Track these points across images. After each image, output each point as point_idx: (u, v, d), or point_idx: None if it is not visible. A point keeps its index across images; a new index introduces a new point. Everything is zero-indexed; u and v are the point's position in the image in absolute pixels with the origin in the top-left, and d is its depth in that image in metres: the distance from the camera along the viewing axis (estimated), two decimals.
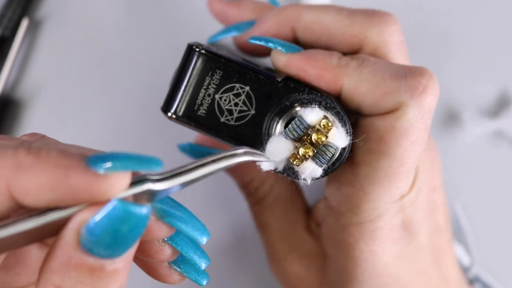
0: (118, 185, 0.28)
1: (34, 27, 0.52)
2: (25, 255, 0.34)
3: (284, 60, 0.38)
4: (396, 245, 0.40)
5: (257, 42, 0.39)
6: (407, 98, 0.36)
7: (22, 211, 0.29)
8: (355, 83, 0.37)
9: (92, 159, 0.27)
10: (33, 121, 0.52)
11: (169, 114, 0.38)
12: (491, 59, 0.53)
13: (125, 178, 0.28)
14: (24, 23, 0.51)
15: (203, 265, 0.33)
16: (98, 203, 0.28)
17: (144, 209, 0.28)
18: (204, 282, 0.34)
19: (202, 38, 0.46)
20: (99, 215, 0.27)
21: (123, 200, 0.27)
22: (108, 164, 0.27)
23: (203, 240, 0.32)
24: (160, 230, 0.31)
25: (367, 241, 0.39)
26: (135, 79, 0.52)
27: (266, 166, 0.36)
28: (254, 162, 0.34)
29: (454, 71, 0.53)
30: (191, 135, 0.43)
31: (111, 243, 0.27)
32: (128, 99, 0.52)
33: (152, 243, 0.32)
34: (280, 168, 0.36)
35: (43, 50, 0.52)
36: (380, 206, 0.38)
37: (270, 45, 0.39)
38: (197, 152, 0.45)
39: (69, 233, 0.27)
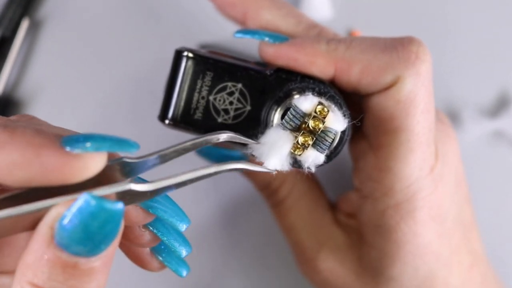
0: (91, 165, 0.27)
1: (35, 27, 0.52)
2: (13, 237, 0.33)
3: (273, 51, 0.38)
4: (435, 222, 0.40)
5: (244, 36, 0.40)
6: (403, 70, 0.37)
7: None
8: (347, 65, 0.37)
9: (66, 139, 0.28)
10: None
11: (166, 121, 0.38)
12: (491, 59, 0.53)
13: (99, 158, 0.28)
14: (25, 23, 0.51)
15: (183, 252, 0.33)
16: (74, 198, 0.27)
17: (118, 205, 0.27)
18: (184, 273, 0.34)
19: (211, 39, 0.46)
20: (71, 209, 0.27)
21: (96, 195, 0.27)
22: (83, 145, 0.27)
23: (183, 227, 0.32)
24: (138, 216, 0.31)
25: (408, 222, 0.39)
26: (136, 79, 0.52)
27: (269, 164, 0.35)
28: (244, 170, 0.33)
29: (454, 71, 0.53)
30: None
31: (84, 239, 0.27)
32: (129, 99, 0.52)
33: (133, 228, 0.32)
34: (284, 165, 0.35)
35: (43, 50, 0.52)
36: (413, 183, 0.38)
37: (257, 37, 0.39)
38: (215, 155, 0.45)
39: (43, 228, 0.27)
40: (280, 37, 0.39)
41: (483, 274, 0.43)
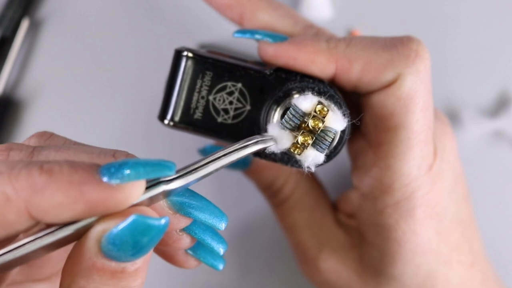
0: (133, 195, 0.28)
1: (35, 27, 0.52)
2: None
3: (272, 50, 0.38)
4: (434, 220, 0.40)
5: (243, 36, 0.40)
6: (403, 67, 0.37)
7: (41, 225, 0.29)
8: (348, 62, 0.37)
9: (104, 170, 0.28)
10: (33, 121, 0.52)
11: (166, 121, 0.38)
12: (491, 59, 0.53)
13: (140, 187, 0.28)
14: (25, 23, 0.51)
15: (221, 250, 0.34)
16: (117, 213, 0.28)
17: (162, 221, 0.28)
18: (221, 267, 0.34)
19: (211, 39, 0.46)
20: (119, 228, 0.28)
21: (141, 214, 0.28)
22: (122, 175, 0.27)
23: (222, 226, 0.33)
24: (178, 223, 0.32)
25: (408, 220, 0.39)
26: (136, 79, 0.52)
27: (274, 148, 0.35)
28: (265, 149, 0.34)
29: (454, 71, 0.53)
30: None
31: (132, 251, 0.28)
32: (129, 99, 0.52)
33: (170, 233, 0.32)
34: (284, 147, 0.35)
35: (43, 50, 0.52)
36: (412, 182, 0.39)
37: (257, 37, 0.39)
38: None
39: (90, 242, 0.28)
40: (279, 36, 0.39)
41: (483, 272, 0.43)
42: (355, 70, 0.37)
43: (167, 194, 0.30)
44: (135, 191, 0.28)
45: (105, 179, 0.27)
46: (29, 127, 0.52)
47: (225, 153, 0.32)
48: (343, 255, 0.43)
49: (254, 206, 0.51)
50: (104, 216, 0.28)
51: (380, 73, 0.37)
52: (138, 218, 0.28)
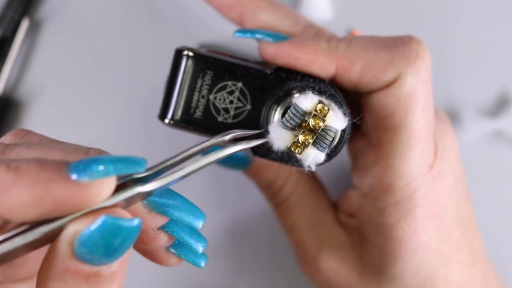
0: (103, 192, 0.27)
1: (35, 27, 0.52)
2: None
3: (273, 50, 0.38)
4: (434, 219, 0.40)
5: (243, 35, 0.40)
6: (404, 67, 0.37)
7: (12, 225, 0.29)
8: (349, 62, 0.37)
9: (73, 167, 0.27)
10: (33, 121, 0.52)
11: (166, 120, 0.38)
12: (491, 59, 0.53)
13: (109, 184, 0.27)
14: (25, 23, 0.51)
15: (200, 248, 0.33)
16: (89, 213, 0.27)
17: (134, 221, 0.28)
18: (202, 264, 0.34)
19: (211, 38, 0.46)
20: (90, 229, 0.27)
21: (112, 215, 0.27)
22: (90, 172, 0.27)
23: (199, 224, 0.32)
24: (154, 221, 0.31)
25: (408, 220, 0.39)
26: (136, 79, 0.52)
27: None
28: (246, 149, 0.34)
29: (454, 71, 0.53)
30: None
31: (105, 253, 0.27)
32: (129, 99, 0.52)
33: (147, 231, 0.32)
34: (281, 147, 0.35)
35: (43, 50, 0.52)
36: (412, 181, 0.39)
37: (258, 36, 0.39)
38: None
39: (63, 244, 0.28)
40: (280, 36, 0.39)
41: (484, 272, 0.43)
42: (355, 70, 0.37)
43: (144, 196, 0.30)
44: (105, 188, 0.27)
45: (73, 176, 0.27)
46: (29, 127, 0.51)
47: (204, 152, 0.31)
48: (343, 255, 0.43)
49: (254, 205, 0.51)
50: (77, 218, 0.27)
51: (381, 73, 0.37)
52: (108, 219, 0.27)
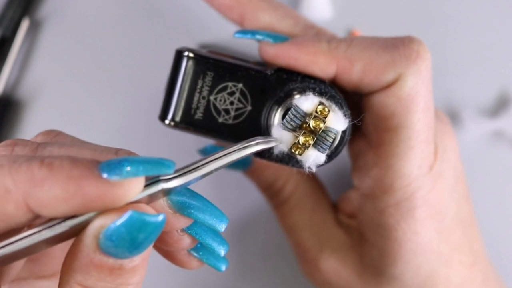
0: (131, 191, 0.28)
1: (35, 27, 0.52)
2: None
3: (273, 51, 0.38)
4: (434, 220, 0.40)
5: (243, 36, 0.40)
6: (404, 67, 0.37)
7: (39, 221, 0.30)
8: (349, 63, 0.37)
9: (104, 166, 0.28)
10: (33, 121, 0.52)
11: (167, 121, 0.38)
12: (491, 59, 0.53)
13: (138, 183, 0.28)
14: (25, 23, 0.51)
15: (222, 251, 0.34)
16: (114, 209, 0.28)
17: (159, 217, 0.28)
18: (223, 268, 0.34)
19: (211, 39, 0.46)
20: (116, 223, 0.28)
21: (138, 210, 0.28)
22: (120, 171, 0.28)
23: (222, 227, 0.33)
24: (178, 222, 0.32)
25: (408, 220, 0.39)
26: (136, 79, 0.52)
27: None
28: (266, 149, 0.34)
29: (454, 71, 0.53)
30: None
31: (129, 247, 0.28)
32: (129, 99, 0.52)
33: (171, 233, 0.32)
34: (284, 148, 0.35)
35: (43, 50, 0.52)
36: (412, 182, 0.39)
37: (258, 37, 0.39)
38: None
39: (88, 238, 0.28)
40: (280, 37, 0.39)
41: (484, 272, 0.43)
42: (356, 71, 0.37)
43: (166, 192, 0.30)
44: (133, 187, 0.28)
45: (104, 175, 0.27)
46: (29, 127, 0.52)
47: (225, 153, 0.32)
48: (343, 255, 0.43)
49: (254, 206, 0.51)
50: (103, 212, 0.28)
51: (381, 74, 0.37)
52: (135, 214, 0.28)
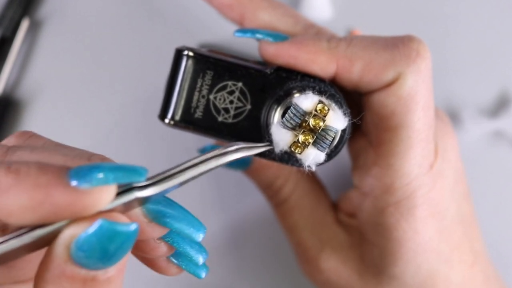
0: (102, 199, 0.27)
1: (35, 27, 0.52)
2: None
3: (273, 49, 0.38)
4: (435, 219, 0.40)
5: (243, 35, 0.40)
6: (404, 66, 0.37)
7: (10, 228, 0.29)
8: (349, 62, 0.37)
9: (73, 173, 0.27)
10: (33, 121, 0.52)
11: (166, 120, 0.38)
12: (491, 59, 0.53)
13: (109, 191, 0.27)
14: (25, 23, 0.51)
15: (200, 259, 0.33)
16: (86, 217, 0.27)
17: (132, 226, 0.27)
18: (203, 275, 0.34)
19: (211, 38, 0.46)
20: (86, 233, 0.27)
21: (110, 219, 0.27)
22: (90, 179, 0.27)
23: (199, 237, 0.32)
24: (154, 231, 0.31)
25: (409, 220, 0.39)
26: (136, 78, 0.52)
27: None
28: (248, 156, 0.34)
29: (454, 71, 0.53)
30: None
31: (101, 258, 0.27)
32: (129, 99, 0.52)
33: (148, 241, 0.32)
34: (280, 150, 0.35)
35: (43, 50, 0.52)
36: (413, 181, 0.39)
37: (258, 36, 0.39)
38: None
39: (59, 248, 0.27)
40: (280, 36, 0.39)
41: (484, 272, 0.43)
42: (356, 70, 0.37)
43: (142, 201, 0.29)
44: (104, 196, 0.27)
45: (73, 182, 0.27)
46: (29, 127, 0.52)
47: (202, 159, 0.31)
48: (343, 255, 0.43)
49: (254, 205, 0.51)
50: (74, 221, 0.27)
51: (381, 73, 0.37)
52: (105, 223, 0.27)
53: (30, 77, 0.52)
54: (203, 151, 0.45)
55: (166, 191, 0.30)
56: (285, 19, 0.40)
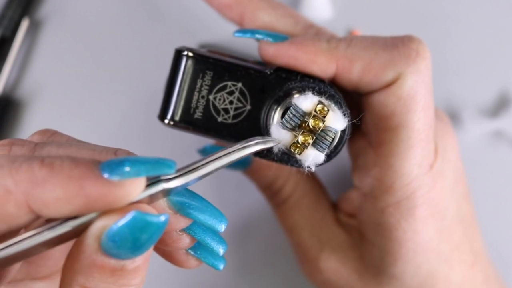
0: (133, 191, 0.28)
1: (35, 27, 0.52)
2: None
3: (273, 50, 0.38)
4: (435, 219, 0.40)
5: (243, 35, 0.40)
6: (404, 67, 0.37)
7: (38, 222, 0.30)
8: (349, 62, 0.37)
9: (105, 166, 0.28)
10: (33, 121, 0.52)
11: (166, 121, 0.38)
12: (491, 59, 0.53)
13: (140, 183, 0.28)
14: (25, 23, 0.51)
15: (221, 251, 0.34)
16: (116, 209, 0.28)
17: (162, 218, 0.28)
18: (221, 266, 0.34)
19: (211, 38, 0.46)
20: (119, 224, 0.28)
21: (141, 211, 0.28)
22: (122, 171, 0.28)
23: (221, 227, 0.33)
24: (178, 223, 0.32)
25: (409, 220, 0.39)
26: (136, 78, 0.52)
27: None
28: (265, 149, 0.34)
29: (454, 71, 0.53)
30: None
31: (131, 248, 0.28)
32: (129, 99, 0.52)
33: (170, 233, 0.32)
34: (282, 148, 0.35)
35: (43, 50, 0.52)
36: (413, 181, 0.39)
37: (258, 36, 0.39)
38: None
39: (90, 239, 0.28)
40: (280, 36, 0.39)
41: (484, 272, 0.43)
42: (355, 70, 0.37)
43: (167, 192, 0.30)
44: (135, 188, 0.28)
45: (105, 175, 0.27)
46: (29, 127, 0.52)
47: (225, 153, 0.32)
48: (343, 255, 0.43)
49: (254, 206, 0.51)
50: (104, 213, 0.28)
51: (381, 73, 0.37)
52: (138, 214, 0.28)
53: (30, 77, 0.52)
54: (203, 151, 0.45)
55: (190, 182, 0.31)
56: (284, 19, 0.40)
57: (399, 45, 0.37)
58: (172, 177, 0.30)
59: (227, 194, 0.52)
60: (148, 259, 0.30)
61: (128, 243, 0.28)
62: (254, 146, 0.33)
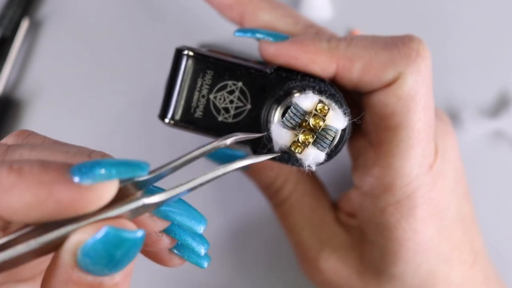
0: (105, 195, 0.27)
1: (35, 27, 0.52)
2: None
3: (274, 49, 0.38)
4: (435, 219, 0.40)
5: (243, 35, 0.40)
6: (404, 66, 0.37)
7: (13, 227, 0.29)
8: (349, 62, 0.37)
9: (75, 170, 0.27)
10: (33, 121, 0.52)
11: (166, 120, 0.38)
12: (491, 59, 0.53)
13: (112, 187, 0.27)
14: (25, 23, 0.51)
15: (202, 250, 0.33)
16: (93, 223, 0.27)
17: (138, 233, 0.27)
18: (205, 264, 0.34)
19: (211, 38, 0.46)
20: (92, 240, 0.27)
21: (116, 226, 0.27)
22: (93, 174, 0.27)
23: (200, 229, 0.32)
24: (156, 225, 0.31)
25: (409, 219, 0.39)
26: (136, 78, 0.52)
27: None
28: (257, 162, 0.34)
29: (454, 71, 0.53)
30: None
31: (107, 265, 0.27)
32: (129, 99, 0.52)
33: (150, 234, 0.32)
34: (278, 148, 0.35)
35: (43, 50, 0.52)
36: (413, 180, 0.39)
37: (258, 36, 0.39)
38: (218, 155, 0.45)
39: (66, 254, 0.28)
40: (280, 35, 0.39)
41: (484, 272, 0.43)
42: (356, 70, 0.38)
43: (147, 208, 0.29)
44: (107, 191, 0.27)
45: (76, 179, 0.27)
46: (29, 127, 0.52)
47: (212, 170, 0.31)
48: (344, 255, 0.43)
49: (254, 205, 0.51)
50: (81, 227, 0.27)
51: (381, 73, 0.37)
52: (111, 230, 0.27)
53: (30, 77, 0.52)
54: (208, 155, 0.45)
55: (174, 197, 0.30)
56: (285, 19, 0.40)
57: (399, 45, 0.38)
58: (149, 178, 0.29)
59: (227, 193, 0.52)
60: (129, 274, 0.29)
61: (103, 260, 0.27)
62: (242, 161, 0.32)
